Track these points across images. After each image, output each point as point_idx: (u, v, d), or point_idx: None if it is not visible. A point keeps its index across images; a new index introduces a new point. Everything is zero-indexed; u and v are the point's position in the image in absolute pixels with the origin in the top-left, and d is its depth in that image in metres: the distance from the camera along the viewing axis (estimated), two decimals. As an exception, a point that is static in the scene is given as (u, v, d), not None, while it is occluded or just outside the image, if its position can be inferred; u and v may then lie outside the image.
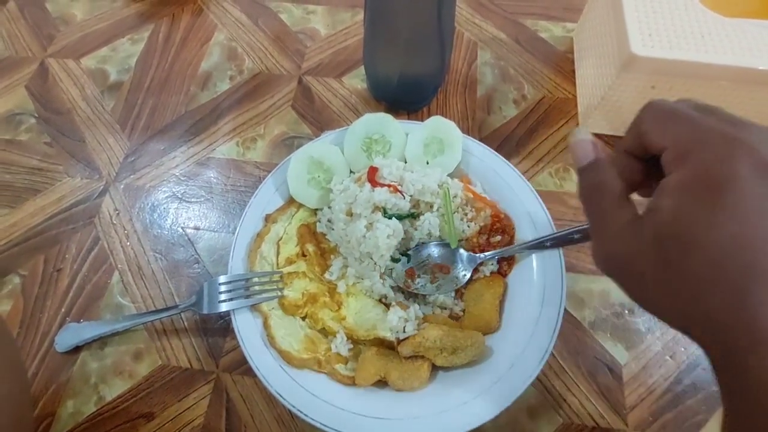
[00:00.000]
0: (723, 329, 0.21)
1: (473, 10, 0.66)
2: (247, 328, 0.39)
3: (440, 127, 0.47)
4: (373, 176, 0.43)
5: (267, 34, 0.65)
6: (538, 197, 0.44)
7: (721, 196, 0.21)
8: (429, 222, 0.42)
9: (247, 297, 0.40)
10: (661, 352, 0.42)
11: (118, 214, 0.51)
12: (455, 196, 0.44)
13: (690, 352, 0.42)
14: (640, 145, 0.26)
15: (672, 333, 0.42)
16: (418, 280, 0.42)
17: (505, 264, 0.43)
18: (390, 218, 0.41)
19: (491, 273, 0.43)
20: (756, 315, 0.20)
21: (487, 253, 0.42)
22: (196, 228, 0.50)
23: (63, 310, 0.45)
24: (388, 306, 0.41)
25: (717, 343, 0.22)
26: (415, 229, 0.43)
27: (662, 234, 0.23)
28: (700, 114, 0.24)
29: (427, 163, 0.46)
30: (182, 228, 0.50)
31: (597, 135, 0.54)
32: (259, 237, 0.43)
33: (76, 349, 0.43)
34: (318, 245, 0.44)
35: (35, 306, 0.45)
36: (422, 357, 0.38)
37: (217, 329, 0.44)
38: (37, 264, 0.48)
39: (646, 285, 0.24)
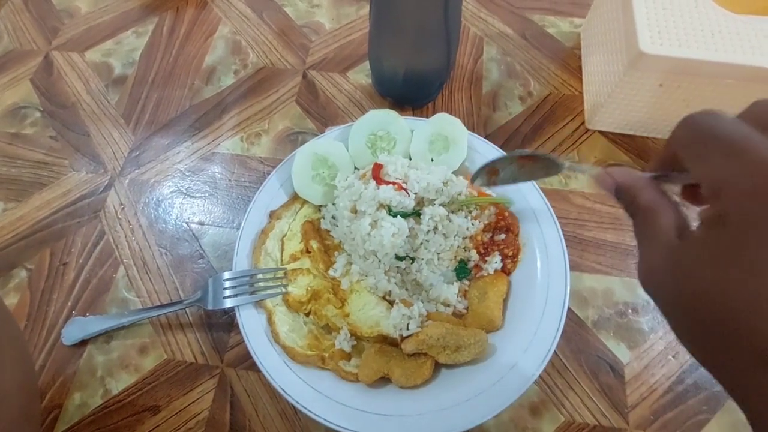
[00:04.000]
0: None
1: (480, 4, 0.65)
2: (251, 324, 0.39)
3: (445, 124, 0.47)
4: (377, 173, 0.43)
5: (271, 27, 0.64)
6: (543, 195, 0.43)
7: (755, 273, 0.16)
8: (431, 215, 0.42)
9: (252, 293, 0.41)
10: (664, 352, 0.42)
11: (123, 208, 0.51)
12: (459, 194, 0.44)
13: (693, 352, 0.42)
14: (673, 165, 0.22)
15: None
16: (502, 173, 0.38)
17: (509, 262, 0.43)
18: (395, 216, 0.41)
19: (495, 271, 0.42)
20: None
21: None
22: (201, 223, 0.50)
23: (69, 303, 0.46)
24: (391, 303, 0.41)
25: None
26: (419, 225, 0.43)
27: (694, 292, 0.19)
28: (747, 140, 0.18)
29: (432, 160, 0.46)
30: (187, 223, 0.50)
31: (603, 133, 0.53)
32: (264, 233, 0.44)
33: (83, 343, 0.44)
34: (322, 242, 0.44)
35: (42, 299, 0.46)
36: (425, 354, 0.38)
37: (221, 324, 0.44)
38: (43, 257, 0.48)
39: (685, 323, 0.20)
